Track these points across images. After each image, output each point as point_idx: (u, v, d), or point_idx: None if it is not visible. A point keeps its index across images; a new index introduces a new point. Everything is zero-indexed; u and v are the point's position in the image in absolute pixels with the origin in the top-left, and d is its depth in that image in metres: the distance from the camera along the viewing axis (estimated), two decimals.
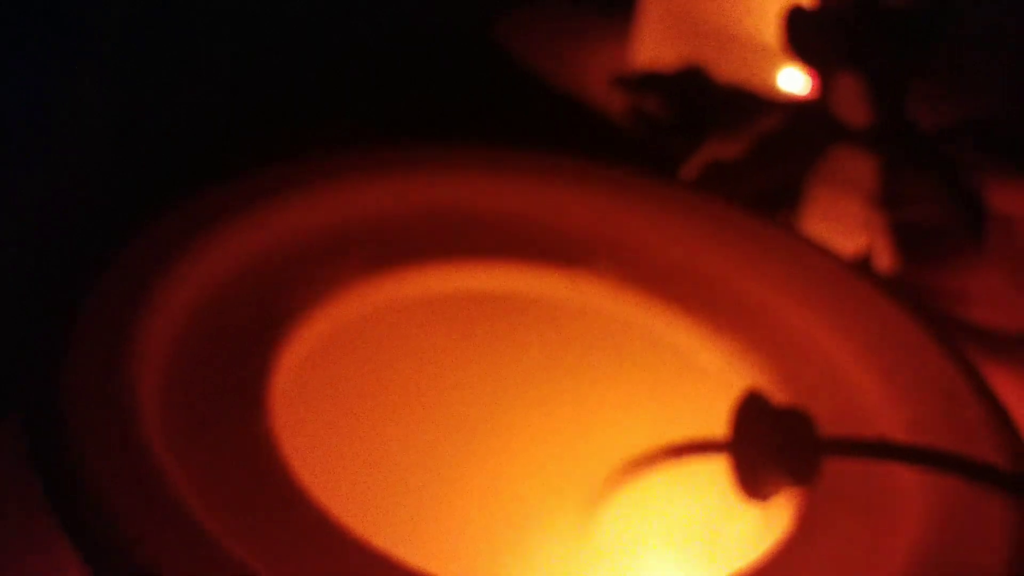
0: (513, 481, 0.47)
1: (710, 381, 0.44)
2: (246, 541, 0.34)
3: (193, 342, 0.40)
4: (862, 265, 0.51)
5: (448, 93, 0.86)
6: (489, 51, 0.94)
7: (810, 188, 0.51)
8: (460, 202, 0.48)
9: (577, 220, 0.48)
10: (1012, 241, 0.54)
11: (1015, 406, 0.48)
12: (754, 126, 0.54)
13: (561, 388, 0.47)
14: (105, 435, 0.35)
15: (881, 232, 0.50)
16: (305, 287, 0.43)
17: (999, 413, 0.42)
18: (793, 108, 0.53)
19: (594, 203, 0.49)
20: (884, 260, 0.51)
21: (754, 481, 0.39)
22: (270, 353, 0.40)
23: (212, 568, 0.33)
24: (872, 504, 0.40)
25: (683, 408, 0.45)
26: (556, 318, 0.47)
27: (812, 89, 0.53)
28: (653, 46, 0.97)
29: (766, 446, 0.39)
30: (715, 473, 0.40)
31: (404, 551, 0.35)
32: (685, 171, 0.55)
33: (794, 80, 0.94)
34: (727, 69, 0.92)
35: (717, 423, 0.40)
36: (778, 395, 0.42)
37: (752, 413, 0.40)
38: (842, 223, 0.50)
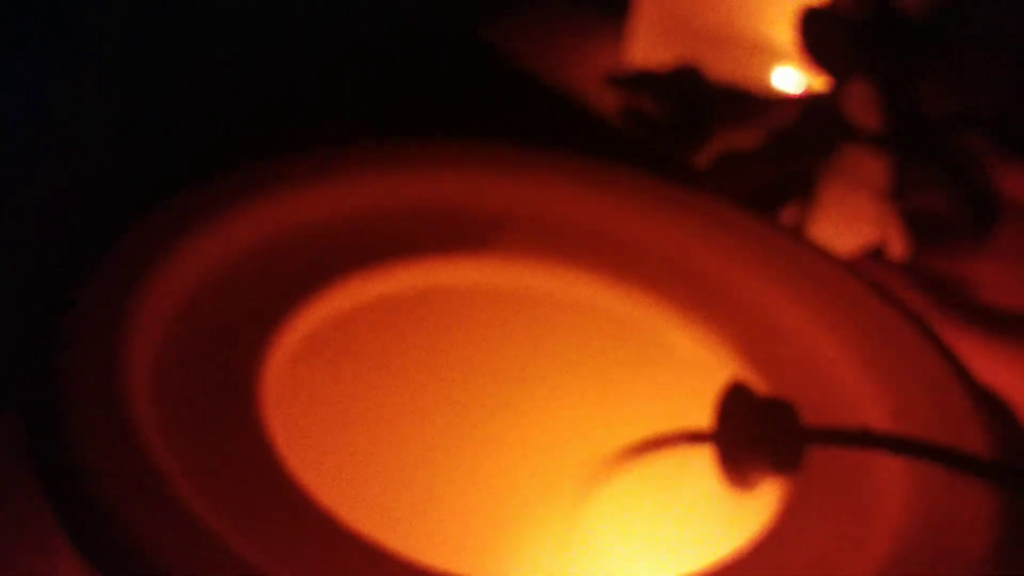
0: (504, 472, 0.47)
1: (696, 372, 0.45)
2: (243, 535, 0.34)
3: (186, 338, 0.41)
4: (875, 256, 0.51)
5: (444, 93, 0.86)
6: (484, 51, 0.94)
7: (821, 183, 0.51)
8: (450, 198, 0.48)
9: (565, 215, 0.49)
10: (1022, 227, 0.54)
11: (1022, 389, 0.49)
12: (767, 119, 0.54)
13: (551, 381, 0.47)
14: (101, 431, 0.35)
15: (893, 223, 0.50)
16: (296, 283, 0.43)
17: (981, 402, 0.42)
18: (807, 103, 0.53)
19: (582, 198, 0.49)
20: (897, 249, 0.51)
21: (738, 470, 0.40)
22: (262, 348, 0.41)
23: (211, 563, 0.33)
24: (855, 492, 0.40)
25: (670, 399, 0.45)
26: (545, 312, 0.47)
27: (826, 87, 0.53)
28: (648, 46, 0.97)
29: (750, 436, 0.39)
30: (702, 462, 0.41)
31: (395, 542, 0.35)
32: (699, 161, 0.55)
33: (788, 79, 0.94)
34: (721, 68, 0.92)
35: (703, 414, 0.41)
36: (762, 386, 0.43)
37: (736, 404, 0.40)
38: (853, 218, 0.50)
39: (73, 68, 0.61)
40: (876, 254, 0.51)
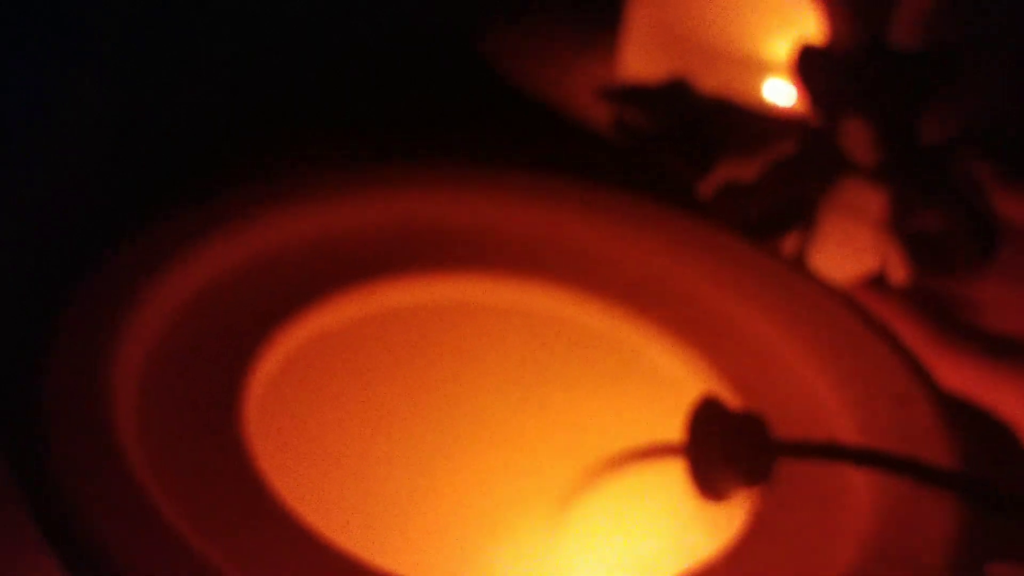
0: (483, 485, 0.48)
1: (671, 387, 0.46)
2: (222, 549, 0.35)
3: (171, 354, 0.41)
4: (876, 283, 0.52)
5: (437, 107, 0.87)
6: (477, 65, 0.94)
7: (820, 213, 0.52)
8: (433, 217, 0.49)
9: (546, 233, 0.50)
10: (1022, 250, 0.55)
11: (1022, 414, 0.49)
12: (768, 151, 0.54)
13: (530, 395, 0.48)
14: (83, 448, 0.36)
15: (893, 251, 0.51)
16: (281, 300, 0.44)
17: (947, 416, 0.44)
18: (804, 134, 0.54)
19: (560, 217, 0.50)
20: (898, 277, 0.51)
21: (710, 482, 0.41)
22: (246, 364, 0.42)
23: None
24: (823, 503, 0.41)
25: (645, 412, 0.46)
26: (524, 329, 0.48)
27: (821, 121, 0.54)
28: (639, 59, 0.98)
29: (721, 449, 0.40)
30: (676, 474, 0.42)
31: (376, 555, 0.36)
32: (700, 191, 0.56)
33: (779, 92, 0.95)
34: (713, 81, 0.93)
35: (677, 427, 0.42)
36: (734, 400, 0.44)
37: (708, 417, 0.41)
38: (852, 247, 0.51)
39: (73, 68, 0.61)
40: (877, 281, 0.52)
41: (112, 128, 0.65)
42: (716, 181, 0.55)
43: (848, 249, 0.52)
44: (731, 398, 0.44)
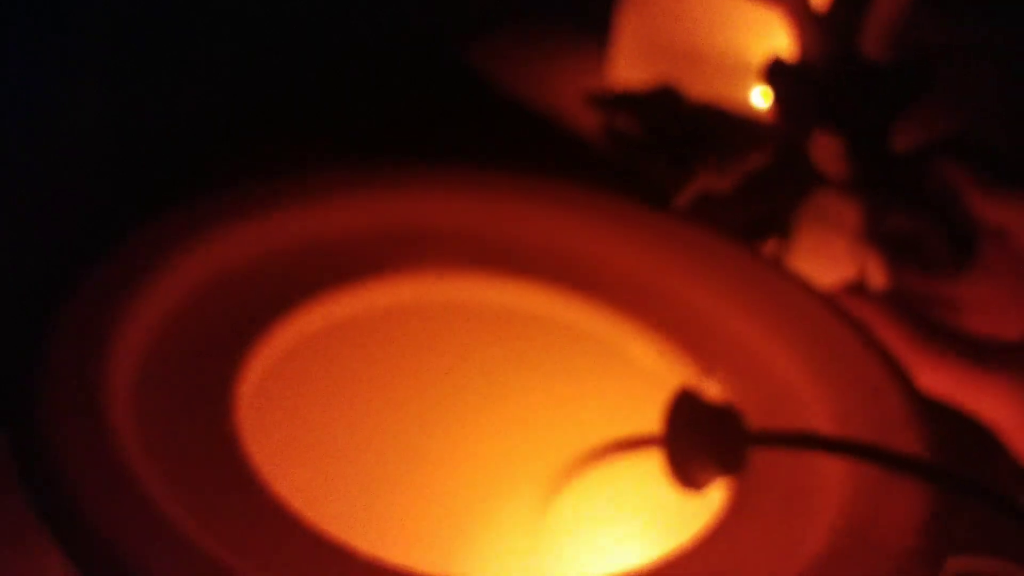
0: (469, 475, 0.49)
1: (652, 380, 0.47)
2: (218, 540, 0.36)
3: (165, 353, 0.42)
4: (856, 289, 0.52)
5: (426, 113, 0.87)
6: (466, 72, 0.95)
7: (797, 224, 0.53)
8: (421, 218, 0.50)
9: (533, 234, 0.51)
10: (1002, 252, 0.55)
11: (1001, 415, 0.50)
12: (742, 163, 0.55)
13: (515, 389, 0.49)
14: (82, 443, 0.37)
15: (870, 257, 0.52)
16: (274, 299, 0.45)
17: (918, 406, 0.45)
18: (779, 146, 0.54)
19: (545, 217, 0.51)
20: (876, 282, 0.52)
21: (687, 472, 0.42)
22: (238, 362, 0.42)
23: (186, 566, 0.35)
24: (797, 490, 0.42)
25: (626, 405, 0.47)
26: (511, 325, 0.49)
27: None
28: (628, 66, 0.99)
29: (698, 440, 0.41)
30: (655, 464, 0.43)
31: (365, 544, 0.37)
32: (678, 201, 0.57)
33: (764, 99, 0.96)
34: (701, 88, 0.94)
35: (656, 418, 0.43)
36: (711, 392, 0.45)
37: (685, 409, 0.42)
38: (828, 257, 0.52)
39: (71, 68, 0.61)
40: (857, 286, 0.52)
41: (110, 128, 0.65)
42: (692, 192, 0.56)
43: (824, 258, 0.52)
44: (708, 389, 0.45)
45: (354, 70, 0.86)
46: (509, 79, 0.97)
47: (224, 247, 0.46)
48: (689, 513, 0.43)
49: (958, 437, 0.46)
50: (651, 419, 0.43)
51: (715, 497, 0.42)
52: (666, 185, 0.84)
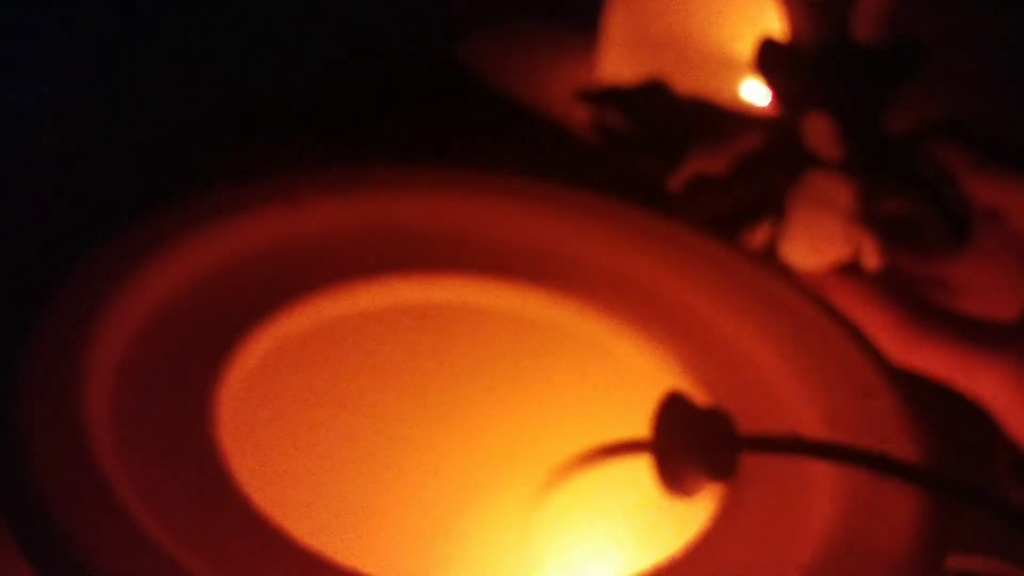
0: (454, 481, 0.48)
1: (640, 383, 0.46)
2: (194, 550, 0.35)
3: (145, 356, 0.41)
4: (850, 269, 0.52)
5: (418, 111, 0.87)
6: (458, 69, 0.95)
7: (790, 206, 0.52)
8: (409, 219, 0.49)
9: (518, 235, 0.50)
10: (997, 233, 0.55)
11: (997, 396, 0.49)
12: (736, 144, 0.54)
13: (501, 392, 0.48)
14: (57, 450, 0.36)
15: (864, 238, 0.51)
16: (258, 301, 0.44)
17: (909, 409, 0.44)
18: (772, 128, 0.53)
19: (533, 218, 0.50)
20: (871, 263, 0.51)
21: (676, 478, 0.41)
22: (219, 365, 0.41)
23: None
24: (788, 496, 0.41)
25: (615, 408, 0.47)
26: (497, 327, 0.48)
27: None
28: (618, 62, 0.98)
29: (686, 445, 0.40)
30: (644, 469, 0.42)
31: (347, 554, 0.36)
32: (671, 185, 0.56)
33: (756, 92, 0.95)
34: (691, 83, 0.93)
35: (646, 421, 0.42)
36: (701, 396, 0.44)
37: (674, 413, 0.41)
38: (822, 238, 0.51)
39: (56, 70, 0.61)
40: (852, 267, 0.52)
41: (100, 128, 0.65)
42: (685, 175, 0.55)
43: (818, 239, 0.51)
44: (698, 393, 0.44)
45: (343, 68, 0.85)
46: (498, 75, 0.96)
47: (205, 249, 0.45)
48: (679, 518, 0.42)
49: (954, 426, 0.46)
50: (640, 421, 0.42)
51: (704, 503, 0.41)
52: (656, 178, 0.84)
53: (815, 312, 0.48)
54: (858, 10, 0.50)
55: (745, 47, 0.94)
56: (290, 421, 0.46)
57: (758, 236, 0.54)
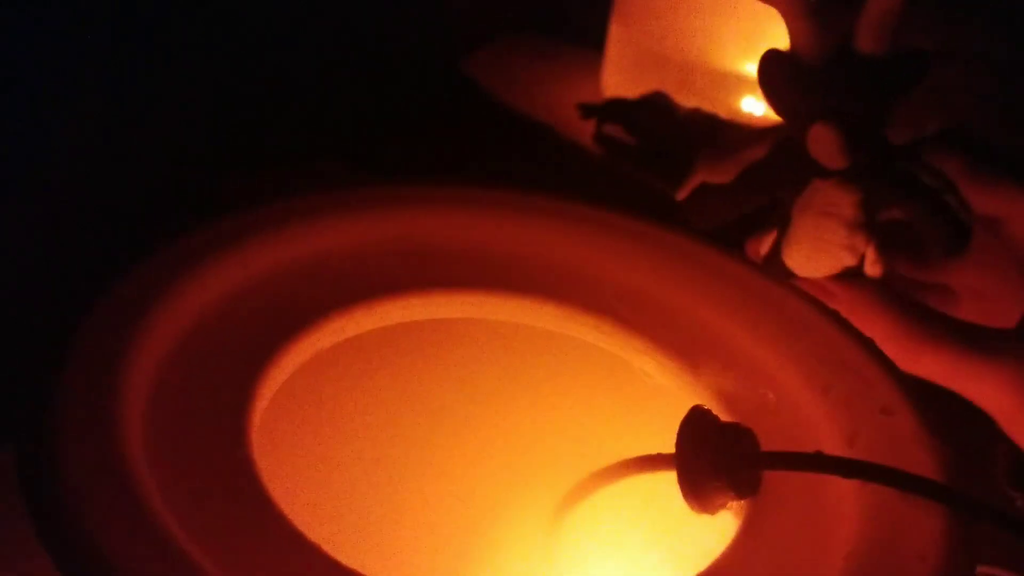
0: (478, 494, 0.47)
1: (659, 398, 0.45)
2: (226, 561, 0.35)
3: (179, 371, 0.41)
4: (852, 275, 0.51)
5: (426, 126, 0.87)
6: (465, 84, 0.94)
7: (795, 214, 0.52)
8: (429, 237, 0.49)
9: (538, 251, 0.49)
10: (997, 240, 0.54)
11: (999, 401, 0.49)
12: (742, 155, 0.54)
13: (524, 406, 0.48)
14: (92, 460, 0.36)
15: (867, 246, 0.51)
16: (285, 319, 0.44)
17: (930, 426, 0.43)
18: (778, 138, 0.53)
19: (553, 235, 0.50)
20: (875, 270, 0.51)
21: (700, 494, 0.40)
22: (252, 380, 0.41)
23: None
24: (811, 514, 0.41)
25: (633, 420, 0.46)
26: (519, 342, 0.48)
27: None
28: (621, 78, 0.98)
29: (710, 461, 0.40)
30: (668, 484, 0.41)
31: (377, 559, 0.36)
32: (677, 196, 0.56)
33: (756, 108, 0.95)
34: (693, 98, 0.93)
35: (671, 437, 0.41)
36: (725, 413, 0.43)
37: (698, 429, 0.41)
38: (826, 246, 0.51)
39: (68, 87, 0.61)
40: (854, 274, 0.51)
41: (124, 150, 0.64)
42: (691, 186, 0.55)
43: (822, 247, 0.51)
44: (719, 410, 0.43)
45: (351, 86, 0.85)
46: (507, 90, 0.96)
47: (234, 270, 0.45)
48: (700, 535, 0.41)
49: (955, 432, 0.45)
50: (658, 434, 0.42)
51: (727, 518, 0.41)
52: (658, 190, 0.84)
53: (833, 329, 0.47)
54: (862, 21, 0.49)
55: (745, 65, 0.94)
56: (318, 435, 0.46)
57: (763, 245, 0.54)
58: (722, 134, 0.86)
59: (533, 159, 0.87)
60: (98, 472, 0.35)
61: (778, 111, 0.52)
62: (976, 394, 0.50)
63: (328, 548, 0.36)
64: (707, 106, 0.92)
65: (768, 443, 0.41)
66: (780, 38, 0.61)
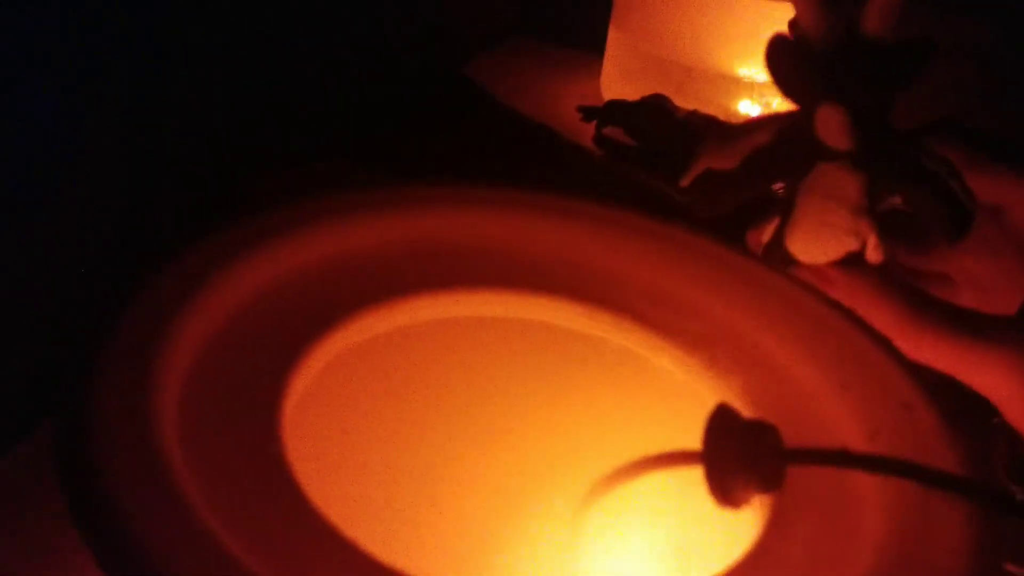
0: (504, 490, 0.47)
1: (681, 395, 0.45)
2: (260, 557, 0.34)
3: (211, 368, 0.41)
4: (854, 261, 0.51)
5: (430, 130, 0.86)
6: (467, 88, 0.94)
7: (798, 200, 0.51)
8: (451, 236, 0.48)
9: (557, 250, 0.49)
10: (997, 228, 0.54)
11: (1000, 389, 0.49)
12: (746, 141, 0.53)
13: (547, 403, 0.47)
14: (127, 458, 0.35)
15: (871, 231, 0.50)
16: (313, 317, 0.44)
17: (950, 422, 0.43)
18: (781, 124, 0.53)
19: (571, 234, 0.50)
20: (875, 257, 0.51)
21: (726, 489, 0.40)
22: (282, 377, 0.41)
23: None
24: (834, 509, 0.40)
25: (654, 417, 0.46)
26: (541, 340, 0.47)
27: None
28: (620, 81, 0.98)
29: (736, 456, 0.39)
30: (693, 481, 0.41)
31: (401, 556, 0.35)
32: (682, 183, 0.55)
33: (752, 111, 0.95)
34: (691, 101, 0.92)
35: (689, 434, 0.41)
36: (746, 409, 0.43)
37: (723, 426, 0.40)
38: (830, 231, 0.50)
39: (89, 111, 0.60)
40: (855, 261, 0.51)
41: (141, 155, 0.64)
42: (696, 173, 0.54)
43: (826, 233, 0.51)
44: (742, 407, 0.43)
45: (355, 90, 0.85)
46: (509, 93, 0.96)
47: (261, 269, 0.44)
48: (723, 531, 0.41)
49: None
50: (679, 431, 0.42)
51: (750, 516, 0.40)
52: (660, 190, 0.83)
53: (850, 326, 0.47)
54: (869, 5, 0.49)
55: (741, 68, 0.94)
56: (347, 431, 0.45)
57: (764, 234, 0.54)
58: (725, 128, 0.86)
59: (536, 161, 0.87)
60: (135, 462, 0.35)
61: (785, 94, 0.51)
62: (977, 382, 0.50)
63: (355, 538, 0.35)
64: (704, 108, 0.92)
65: (789, 439, 0.41)
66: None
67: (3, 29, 0.52)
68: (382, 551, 0.35)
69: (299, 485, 0.37)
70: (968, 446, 0.42)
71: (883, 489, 0.40)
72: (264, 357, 0.41)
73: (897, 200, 0.51)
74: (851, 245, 0.50)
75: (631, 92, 0.94)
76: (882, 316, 0.49)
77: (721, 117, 0.92)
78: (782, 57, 0.51)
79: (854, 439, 0.42)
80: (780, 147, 0.52)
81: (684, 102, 0.92)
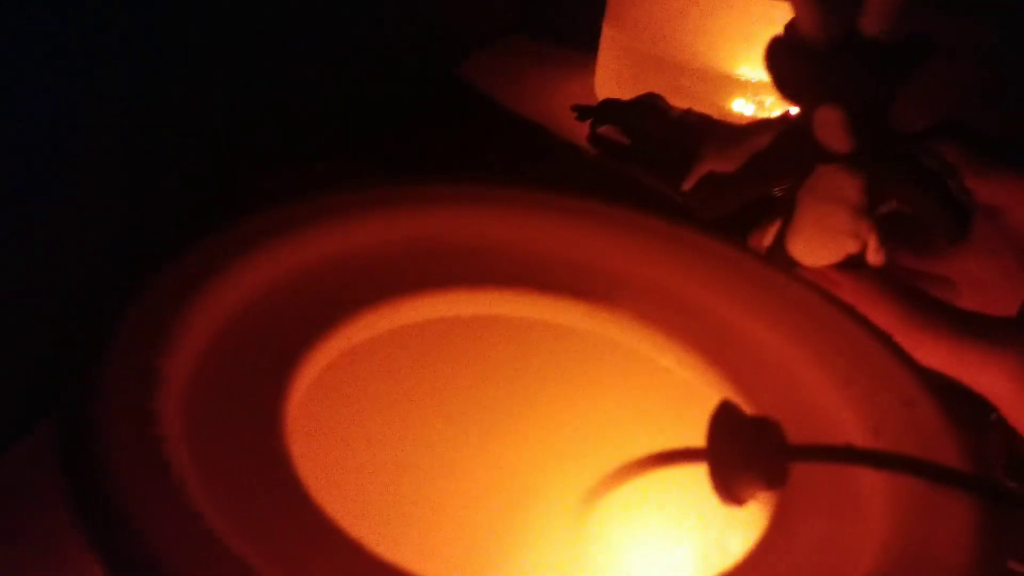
0: (508, 488, 0.47)
1: (685, 393, 0.44)
2: (263, 555, 0.33)
3: (212, 368, 0.40)
4: (855, 263, 0.50)
5: (426, 129, 0.86)
6: (462, 88, 0.94)
7: (798, 201, 0.51)
8: (451, 235, 0.48)
9: (560, 249, 0.48)
10: (996, 229, 0.54)
11: (1000, 389, 0.48)
12: (747, 144, 0.53)
13: (550, 401, 0.47)
14: (132, 456, 0.34)
15: (869, 233, 0.50)
16: (315, 316, 0.43)
17: (953, 418, 0.42)
18: (782, 126, 0.52)
19: (574, 233, 0.49)
20: (875, 258, 0.50)
21: (730, 486, 0.39)
22: (284, 376, 0.40)
23: None
24: (838, 505, 0.39)
25: (657, 415, 0.45)
26: (543, 338, 0.46)
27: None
28: (614, 79, 0.97)
29: (740, 453, 0.39)
30: (697, 477, 0.40)
31: (405, 554, 0.35)
32: (684, 186, 0.55)
33: (746, 109, 0.94)
34: (684, 99, 0.92)
35: (694, 430, 0.40)
36: (749, 407, 0.42)
37: (726, 423, 0.39)
38: (830, 233, 0.50)
39: (88, 110, 0.60)
40: (854, 262, 0.51)
41: (141, 152, 0.64)
42: (697, 176, 0.54)
43: (826, 234, 0.50)
44: (746, 404, 0.42)
45: (350, 88, 0.84)
46: (503, 93, 0.95)
47: (263, 268, 0.44)
48: (729, 527, 0.40)
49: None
50: (682, 429, 0.41)
51: (755, 512, 0.39)
52: (654, 188, 0.83)
53: (852, 323, 0.46)
54: (868, 4, 0.48)
55: (735, 67, 0.94)
56: (350, 428, 0.45)
57: (766, 237, 0.53)
58: (720, 129, 0.85)
59: (530, 160, 0.86)
60: (136, 461, 0.34)
61: (784, 95, 0.51)
62: (977, 382, 0.49)
63: (359, 537, 0.35)
64: (698, 107, 0.91)
65: (792, 436, 0.40)
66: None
67: (3, 29, 0.52)
68: (385, 549, 0.35)
69: (302, 484, 0.36)
70: (971, 442, 0.41)
71: (887, 485, 0.39)
72: (265, 357, 0.41)
73: (897, 202, 0.51)
74: (851, 247, 0.50)
75: (625, 91, 0.93)
76: (882, 317, 0.48)
77: (715, 116, 0.91)
78: (781, 58, 0.50)
79: (857, 436, 0.42)
80: (780, 149, 0.52)
81: (678, 100, 0.91)
